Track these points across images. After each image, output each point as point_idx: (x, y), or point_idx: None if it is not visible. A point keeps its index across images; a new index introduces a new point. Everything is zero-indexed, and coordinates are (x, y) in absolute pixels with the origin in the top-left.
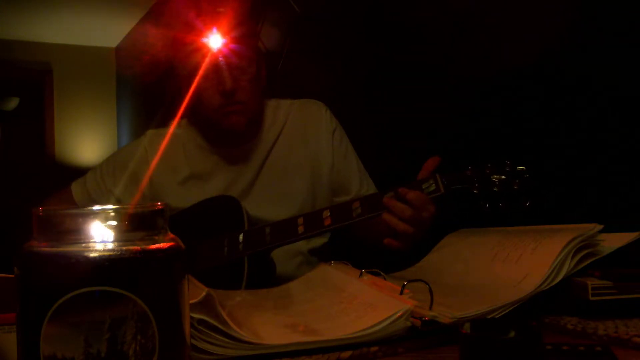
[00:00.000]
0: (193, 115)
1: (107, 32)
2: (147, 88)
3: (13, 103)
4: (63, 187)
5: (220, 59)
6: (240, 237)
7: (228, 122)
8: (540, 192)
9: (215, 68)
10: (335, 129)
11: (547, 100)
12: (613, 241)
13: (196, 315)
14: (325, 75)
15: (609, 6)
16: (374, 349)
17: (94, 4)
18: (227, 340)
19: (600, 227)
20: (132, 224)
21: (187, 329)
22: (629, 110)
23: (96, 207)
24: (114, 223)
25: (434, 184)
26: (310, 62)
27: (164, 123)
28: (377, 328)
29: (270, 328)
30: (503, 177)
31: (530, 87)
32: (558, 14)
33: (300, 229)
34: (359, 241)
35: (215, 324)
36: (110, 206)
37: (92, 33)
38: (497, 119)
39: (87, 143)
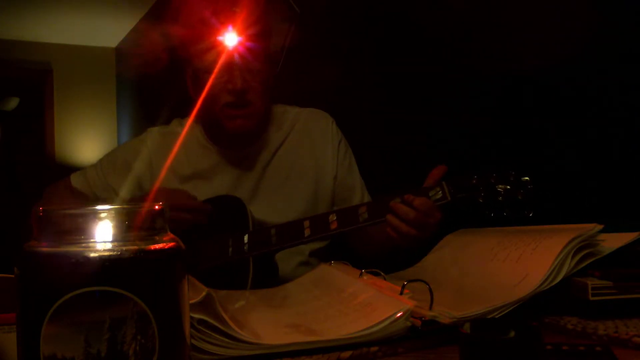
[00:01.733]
0: (198, 112)
1: (107, 32)
2: (147, 88)
3: (13, 103)
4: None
5: (235, 57)
6: (246, 238)
7: (233, 125)
8: (543, 203)
9: (227, 66)
10: (341, 141)
11: (549, 102)
12: (613, 241)
13: (196, 315)
14: (325, 76)
15: (611, 9)
16: (374, 349)
17: (94, 4)
18: (227, 340)
19: (600, 227)
20: (132, 224)
21: (187, 329)
22: (629, 110)
23: (96, 207)
24: (114, 223)
25: (440, 192)
26: (310, 63)
27: (167, 121)
28: (377, 328)
29: (270, 328)
30: (508, 187)
31: (532, 90)
32: (564, 19)
33: (307, 232)
34: (357, 252)
35: (215, 324)
36: (110, 206)
37: (92, 33)
38: (500, 124)
39: (87, 143)
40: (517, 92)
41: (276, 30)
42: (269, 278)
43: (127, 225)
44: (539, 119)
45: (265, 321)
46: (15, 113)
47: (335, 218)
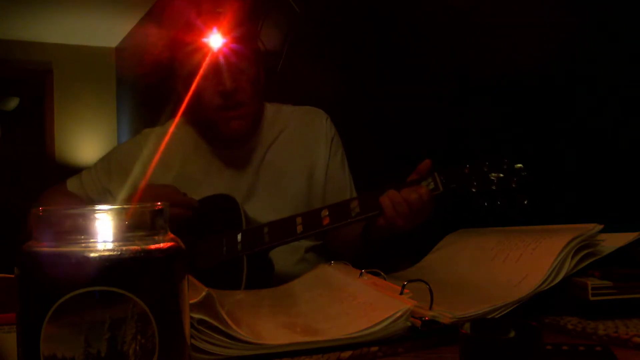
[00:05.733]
0: (192, 116)
1: (107, 32)
2: (147, 88)
3: (13, 103)
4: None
5: (220, 59)
6: (239, 236)
7: (229, 128)
8: (538, 190)
9: (215, 68)
10: (334, 138)
11: (546, 98)
12: (613, 241)
13: (196, 315)
14: (325, 76)
15: (608, 10)
16: (374, 349)
17: (94, 4)
18: (227, 340)
19: (600, 227)
20: (132, 224)
21: (187, 329)
22: (629, 109)
23: (96, 207)
24: (114, 223)
25: (432, 183)
26: (310, 62)
27: (163, 122)
28: (377, 328)
29: (270, 328)
30: (501, 175)
31: (529, 85)
32: (557, 15)
33: (299, 229)
34: (334, 250)
35: (215, 324)
36: (110, 206)
37: (92, 33)
38: (496, 117)
39: (87, 143)
40: (516, 93)
41: (275, 31)
42: (263, 277)
43: (127, 225)
44: (538, 117)
45: (265, 321)
46: (15, 113)
47: (327, 213)
